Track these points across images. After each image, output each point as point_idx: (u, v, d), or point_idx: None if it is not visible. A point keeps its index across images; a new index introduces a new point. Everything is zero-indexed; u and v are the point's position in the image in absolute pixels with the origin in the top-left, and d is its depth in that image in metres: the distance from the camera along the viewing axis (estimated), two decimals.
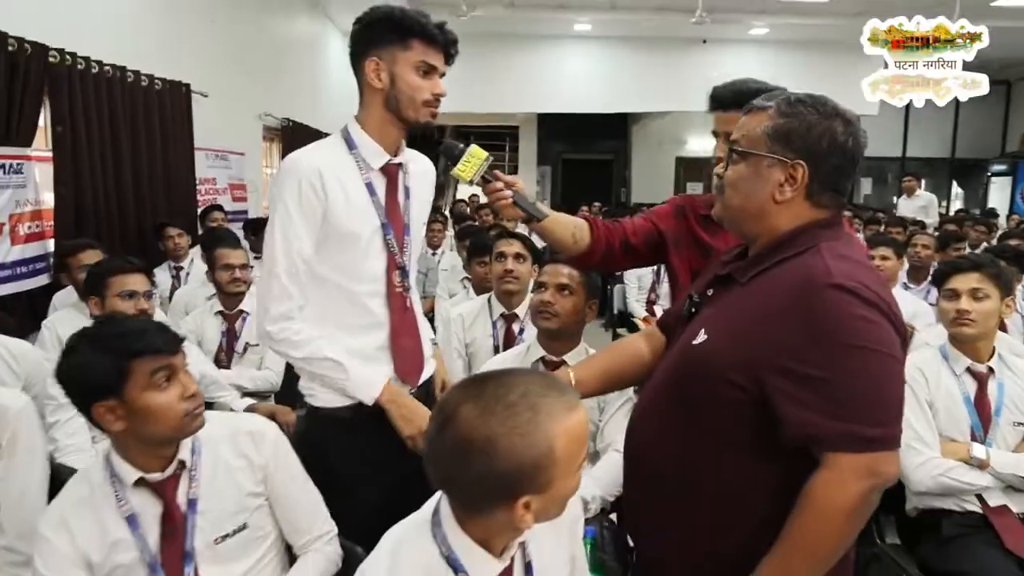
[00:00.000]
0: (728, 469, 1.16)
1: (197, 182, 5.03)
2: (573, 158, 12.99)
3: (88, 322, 2.80)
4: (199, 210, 4.98)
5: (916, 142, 12.57)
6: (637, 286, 5.24)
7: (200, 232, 4.80)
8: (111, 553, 1.26)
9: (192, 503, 1.30)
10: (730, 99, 1.60)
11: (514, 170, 13.29)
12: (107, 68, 3.95)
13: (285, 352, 1.59)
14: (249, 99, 6.14)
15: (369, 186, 1.61)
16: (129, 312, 2.15)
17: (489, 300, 2.70)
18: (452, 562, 1.01)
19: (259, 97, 6.32)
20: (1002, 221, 9.41)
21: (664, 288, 5.65)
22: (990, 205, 11.56)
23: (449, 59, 1.59)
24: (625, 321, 5.36)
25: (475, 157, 1.53)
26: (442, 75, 1.60)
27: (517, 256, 2.66)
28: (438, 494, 1.06)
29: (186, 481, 1.31)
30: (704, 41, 9.45)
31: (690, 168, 13.51)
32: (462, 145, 1.54)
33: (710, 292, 1.29)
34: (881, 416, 1.06)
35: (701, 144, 13.24)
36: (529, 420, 0.92)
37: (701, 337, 1.19)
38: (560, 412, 0.94)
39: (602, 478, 1.83)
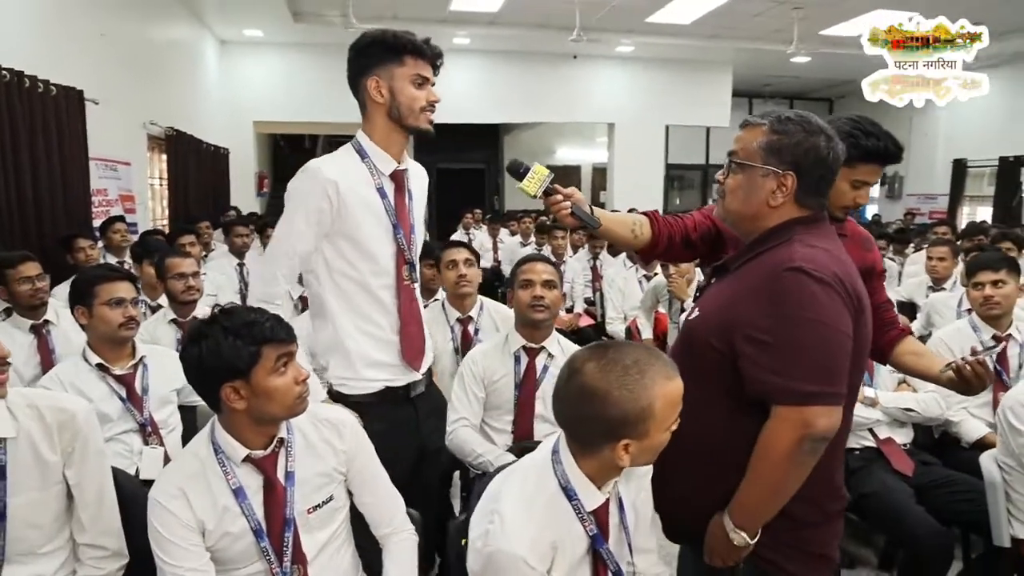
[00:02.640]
0: (721, 418, 1.37)
1: (92, 192, 4.81)
2: (447, 167, 13.24)
3: (26, 334, 2.76)
4: (96, 222, 4.75)
5: None
6: None
7: (102, 244, 4.61)
8: (221, 521, 1.38)
9: (290, 475, 1.44)
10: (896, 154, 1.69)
11: None
12: (4, 72, 3.75)
13: None
14: (134, 107, 5.88)
15: (380, 191, 1.81)
16: (118, 320, 2.15)
17: (443, 307, 2.89)
18: (568, 491, 1.26)
19: (143, 105, 6.07)
20: None
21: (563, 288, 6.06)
22: None
23: (436, 70, 1.80)
24: None
25: (538, 174, 1.64)
26: (432, 85, 1.79)
27: (466, 261, 2.87)
28: (554, 436, 1.30)
29: (284, 456, 1.44)
30: (575, 57, 10.05)
31: (558, 177, 14.11)
32: (527, 164, 1.66)
33: (712, 280, 1.55)
34: (817, 375, 1.24)
35: (570, 153, 13.93)
36: (637, 381, 1.17)
37: (696, 314, 1.46)
38: (661, 378, 1.18)
39: None
